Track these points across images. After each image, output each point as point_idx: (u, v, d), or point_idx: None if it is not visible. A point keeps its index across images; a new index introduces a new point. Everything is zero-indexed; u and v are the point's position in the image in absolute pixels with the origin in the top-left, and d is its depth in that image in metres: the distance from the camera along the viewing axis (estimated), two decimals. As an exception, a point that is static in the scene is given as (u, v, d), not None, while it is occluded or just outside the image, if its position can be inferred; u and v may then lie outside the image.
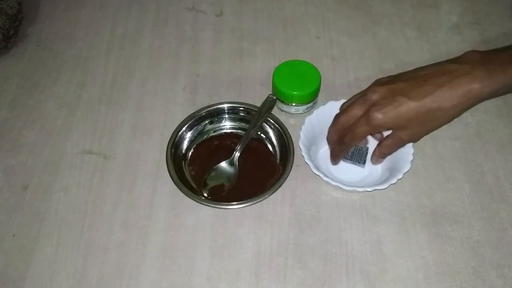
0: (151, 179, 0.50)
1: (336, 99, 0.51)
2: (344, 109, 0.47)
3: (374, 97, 0.44)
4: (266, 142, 0.53)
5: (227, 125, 0.55)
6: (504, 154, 0.51)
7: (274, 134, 0.53)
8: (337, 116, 0.47)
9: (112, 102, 0.56)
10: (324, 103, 0.51)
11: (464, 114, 0.55)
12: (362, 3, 0.67)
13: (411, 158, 0.46)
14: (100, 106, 0.56)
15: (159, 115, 0.55)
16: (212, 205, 0.47)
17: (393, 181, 0.45)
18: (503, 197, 0.48)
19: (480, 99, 0.43)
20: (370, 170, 0.50)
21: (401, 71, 0.55)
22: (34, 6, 0.67)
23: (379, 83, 0.45)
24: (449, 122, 0.45)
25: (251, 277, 0.43)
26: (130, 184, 0.49)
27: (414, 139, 0.46)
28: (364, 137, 0.46)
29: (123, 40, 0.63)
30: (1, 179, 0.50)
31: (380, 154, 0.48)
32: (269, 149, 0.53)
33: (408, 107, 0.42)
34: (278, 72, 0.53)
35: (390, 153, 0.47)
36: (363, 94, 0.45)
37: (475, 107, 0.55)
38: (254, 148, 0.52)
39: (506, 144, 0.52)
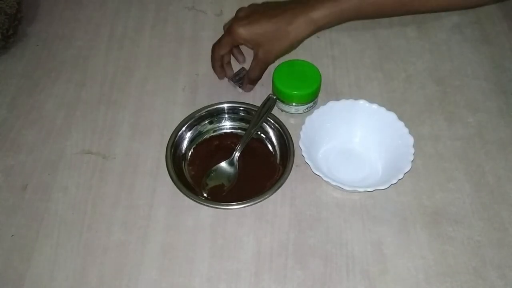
0: (151, 179, 0.50)
1: (337, 99, 0.51)
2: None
3: (240, 14, 0.53)
4: (266, 142, 0.53)
5: (227, 125, 0.55)
6: (505, 154, 0.51)
7: (274, 134, 0.53)
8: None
9: (112, 102, 0.56)
10: (325, 103, 0.51)
11: (465, 114, 0.55)
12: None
13: (411, 158, 0.46)
14: (99, 106, 0.56)
15: (159, 115, 0.55)
16: (211, 206, 0.47)
17: (394, 181, 0.45)
18: (504, 197, 0.48)
19: (316, 26, 0.51)
20: (371, 170, 0.50)
21: (401, 70, 0.55)
22: (33, 5, 0.66)
23: (248, 6, 0.54)
24: (293, 44, 0.52)
25: (251, 278, 0.43)
26: (129, 184, 0.49)
27: (268, 57, 0.53)
28: (228, 47, 0.54)
29: (122, 39, 0.63)
30: (1, 179, 0.50)
31: (248, 80, 0.55)
32: (269, 149, 0.53)
33: (260, 23, 0.51)
34: (278, 72, 0.53)
35: (256, 76, 0.54)
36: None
37: (476, 107, 0.55)
38: (254, 148, 0.52)
39: (507, 144, 0.52)
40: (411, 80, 0.58)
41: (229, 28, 0.52)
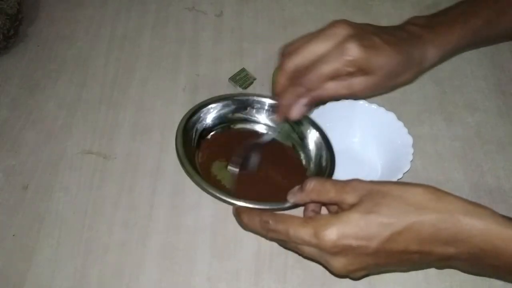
0: (151, 179, 0.50)
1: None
2: (297, 45, 0.42)
3: (348, 31, 0.40)
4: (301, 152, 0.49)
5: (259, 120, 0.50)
6: (504, 154, 0.51)
7: (315, 147, 0.48)
8: (287, 54, 0.43)
9: (112, 102, 0.56)
10: (324, 104, 0.51)
11: (465, 114, 0.55)
12: (361, 3, 0.67)
13: (410, 158, 0.46)
14: (100, 106, 0.56)
15: (159, 115, 0.55)
16: (219, 195, 0.42)
17: (393, 181, 0.45)
18: (503, 198, 0.48)
19: (445, 53, 0.45)
20: (370, 170, 0.50)
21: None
22: (34, 6, 0.67)
23: (345, 21, 0.42)
24: (415, 78, 0.46)
25: (251, 277, 0.43)
26: (130, 184, 0.49)
27: (366, 92, 0.43)
28: (330, 77, 0.41)
29: (123, 40, 0.63)
30: (1, 179, 0.50)
31: (310, 100, 0.43)
32: (302, 163, 0.48)
33: (384, 50, 0.41)
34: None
35: (323, 98, 0.44)
36: (326, 29, 0.41)
37: (475, 107, 0.55)
38: (286, 156, 0.48)
39: (506, 144, 0.52)
40: (410, 80, 0.58)
41: (340, 48, 0.40)
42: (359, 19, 0.64)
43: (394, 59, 0.41)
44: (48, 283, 0.43)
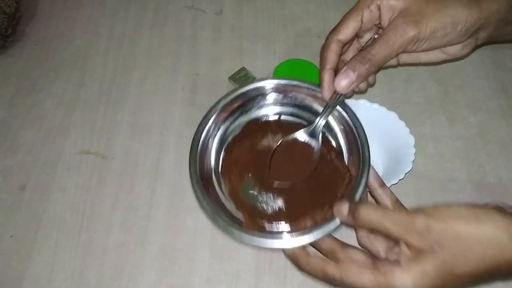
0: (150, 179, 0.49)
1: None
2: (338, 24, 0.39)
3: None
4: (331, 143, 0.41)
5: (269, 111, 0.42)
6: (507, 154, 0.51)
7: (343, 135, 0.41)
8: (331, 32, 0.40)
9: (111, 102, 0.56)
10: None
11: (467, 114, 0.55)
12: (363, 2, 0.67)
13: (412, 158, 0.46)
14: (98, 106, 0.55)
15: (158, 115, 0.55)
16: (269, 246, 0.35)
17: (395, 181, 0.45)
18: (506, 198, 0.48)
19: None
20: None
21: (402, 70, 0.54)
22: (32, 5, 0.66)
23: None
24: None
25: (251, 279, 0.43)
26: (128, 184, 0.49)
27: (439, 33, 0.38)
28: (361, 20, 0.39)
29: (121, 39, 0.62)
30: (-1, 180, 0.50)
31: (367, 63, 0.38)
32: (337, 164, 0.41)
33: None
34: (279, 71, 0.53)
35: (383, 58, 0.38)
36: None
37: (477, 107, 0.55)
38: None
39: (508, 144, 0.52)
40: (412, 79, 0.58)
41: None
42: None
43: None
44: (46, 284, 0.43)
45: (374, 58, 0.38)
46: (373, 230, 0.34)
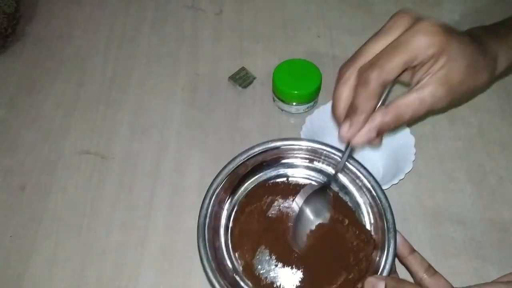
0: (150, 179, 0.49)
1: (337, 99, 0.51)
2: (356, 52, 0.34)
3: (414, 15, 0.32)
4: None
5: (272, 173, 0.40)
6: (507, 154, 0.51)
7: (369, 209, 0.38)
8: (346, 64, 0.34)
9: (111, 102, 0.56)
10: (325, 103, 0.51)
11: (467, 114, 0.55)
12: (363, 2, 0.66)
13: (412, 158, 0.46)
14: (98, 106, 0.55)
15: (158, 115, 0.55)
16: None
17: (395, 181, 0.45)
18: (506, 198, 0.48)
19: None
20: (372, 170, 0.49)
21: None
22: (32, 5, 0.66)
23: (407, 11, 0.33)
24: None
25: (251, 279, 0.43)
26: (128, 185, 0.49)
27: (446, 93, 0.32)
28: (399, 72, 0.31)
29: (121, 39, 0.62)
30: (-1, 180, 0.49)
31: (380, 126, 0.32)
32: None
33: (462, 36, 0.33)
34: (279, 71, 0.53)
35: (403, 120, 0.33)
36: (386, 23, 0.33)
37: (477, 106, 0.55)
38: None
39: (508, 144, 0.52)
40: (412, 79, 0.58)
41: (407, 31, 0.31)
42: (360, 17, 0.64)
43: (472, 48, 0.33)
44: (46, 284, 0.43)
45: (400, 117, 0.32)
46: None
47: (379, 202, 0.37)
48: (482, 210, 0.47)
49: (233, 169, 0.38)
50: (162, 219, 0.46)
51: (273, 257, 0.36)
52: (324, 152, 0.39)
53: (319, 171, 0.40)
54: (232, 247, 0.37)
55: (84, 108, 0.55)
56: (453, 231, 0.46)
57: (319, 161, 0.40)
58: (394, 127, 0.33)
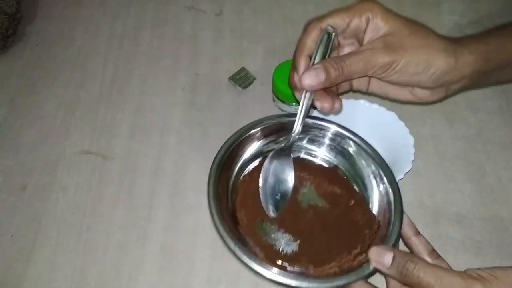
0: (150, 179, 0.49)
1: (337, 99, 0.51)
2: (319, 17, 0.40)
3: (377, 4, 0.38)
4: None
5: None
6: (506, 154, 0.51)
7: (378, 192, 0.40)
8: (306, 28, 0.39)
9: (111, 102, 0.56)
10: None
11: (466, 114, 0.55)
12: (362, 2, 0.67)
13: (412, 158, 0.46)
14: (99, 106, 0.56)
15: (158, 115, 0.55)
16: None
17: (394, 181, 0.45)
18: (505, 198, 0.48)
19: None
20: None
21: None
22: (33, 5, 0.66)
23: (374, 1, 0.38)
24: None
25: (251, 278, 0.43)
26: (129, 185, 0.49)
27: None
28: (336, 22, 0.40)
29: (122, 39, 0.62)
30: (0, 179, 0.49)
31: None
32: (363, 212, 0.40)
33: (422, 27, 0.39)
34: (279, 71, 0.53)
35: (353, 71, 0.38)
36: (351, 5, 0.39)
37: (477, 107, 0.55)
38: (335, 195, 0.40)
39: (508, 144, 0.52)
40: (411, 79, 0.58)
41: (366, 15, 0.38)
42: (359, 18, 0.64)
43: (419, 27, 0.39)
44: (46, 284, 0.43)
45: (346, 68, 0.37)
46: (412, 284, 0.31)
47: (386, 183, 0.39)
48: (482, 210, 0.47)
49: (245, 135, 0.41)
50: (162, 219, 0.47)
51: (276, 224, 0.38)
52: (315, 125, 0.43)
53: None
54: (238, 202, 0.40)
55: (85, 108, 0.55)
56: (452, 230, 0.46)
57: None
58: (340, 74, 0.37)
